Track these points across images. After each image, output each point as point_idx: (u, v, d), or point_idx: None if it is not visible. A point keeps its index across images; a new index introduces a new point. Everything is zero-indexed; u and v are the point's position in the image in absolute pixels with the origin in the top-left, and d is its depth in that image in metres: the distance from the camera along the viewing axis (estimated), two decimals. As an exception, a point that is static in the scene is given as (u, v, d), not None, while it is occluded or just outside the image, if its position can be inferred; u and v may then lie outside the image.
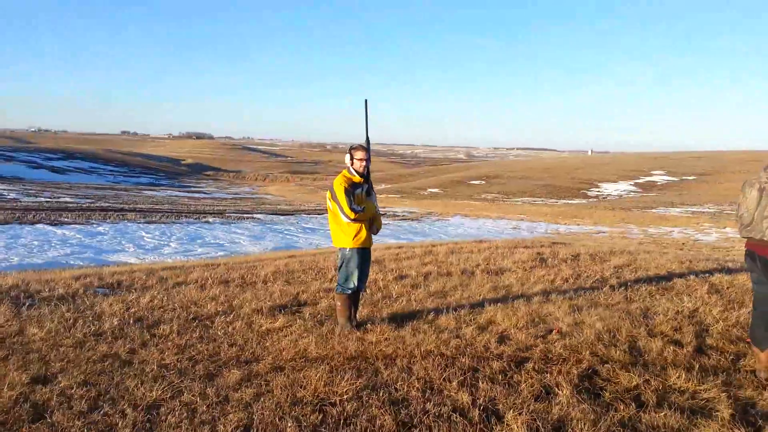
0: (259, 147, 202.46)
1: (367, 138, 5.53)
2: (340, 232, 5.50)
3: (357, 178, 5.48)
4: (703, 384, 4.10)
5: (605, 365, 4.48)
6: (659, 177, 78.82)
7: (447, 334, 5.29)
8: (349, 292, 5.58)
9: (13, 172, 66.87)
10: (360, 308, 6.17)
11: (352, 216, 5.36)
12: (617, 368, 4.39)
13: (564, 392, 3.88)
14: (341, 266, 5.58)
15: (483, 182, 76.91)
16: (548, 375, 4.28)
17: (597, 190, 69.97)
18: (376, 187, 6.33)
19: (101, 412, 3.62)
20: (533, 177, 79.39)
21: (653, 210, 45.74)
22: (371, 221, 5.60)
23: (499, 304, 6.54)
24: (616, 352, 4.75)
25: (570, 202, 59.01)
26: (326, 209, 5.68)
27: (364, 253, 5.58)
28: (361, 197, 5.48)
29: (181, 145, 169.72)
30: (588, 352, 4.77)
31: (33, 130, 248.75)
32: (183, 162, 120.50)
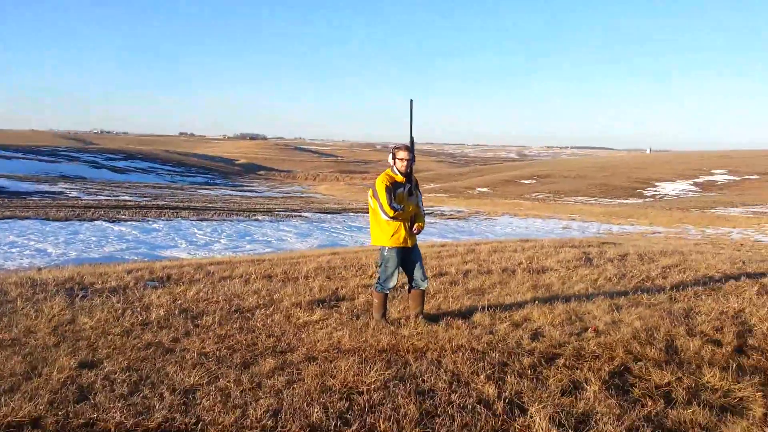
0: (310, 147, 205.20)
1: (411, 138, 5.52)
2: (379, 230, 5.54)
3: (399, 178, 5.50)
4: (739, 383, 4.01)
5: (638, 363, 4.43)
6: (720, 176, 75.95)
7: (480, 330, 5.32)
8: (386, 291, 5.64)
9: (76, 172, 69.84)
10: (396, 303, 6.24)
11: (391, 214, 5.37)
12: (650, 366, 4.34)
13: (592, 388, 3.87)
14: (381, 265, 5.64)
15: (534, 181, 75.76)
16: (578, 371, 4.27)
17: (654, 189, 67.97)
18: (425, 186, 6.36)
19: (141, 394, 3.82)
20: (587, 176, 77.71)
21: (712, 210, 44.14)
22: (412, 221, 5.58)
23: (537, 302, 6.51)
24: (651, 351, 4.69)
25: (625, 201, 57.53)
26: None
27: (403, 252, 5.58)
28: (402, 196, 5.48)
29: (236, 146, 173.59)
30: (622, 350, 4.72)
31: (96, 132, 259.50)
32: (237, 162, 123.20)
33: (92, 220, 20.80)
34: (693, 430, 3.30)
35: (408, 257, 5.64)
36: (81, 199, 33.20)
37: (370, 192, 5.58)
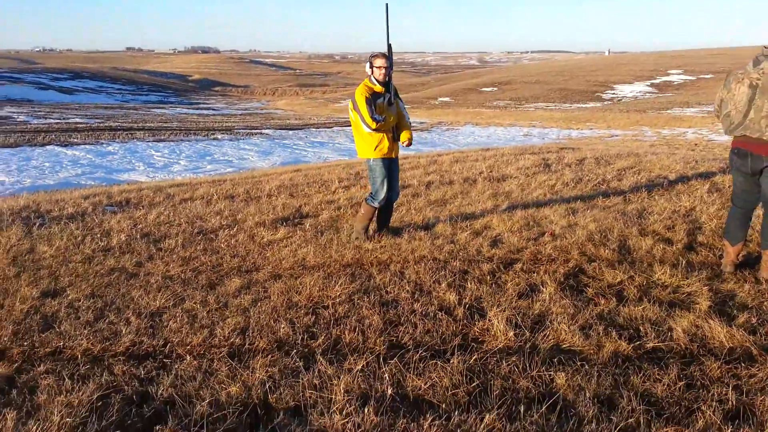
0: (266, 60, 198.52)
1: (389, 45, 5.31)
2: (363, 142, 5.45)
3: (378, 88, 5.35)
4: (687, 279, 4.23)
5: (592, 264, 4.61)
6: (676, 76, 76.57)
7: (442, 240, 5.43)
8: (376, 204, 5.57)
9: (22, 94, 66.52)
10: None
11: (374, 126, 5.26)
12: (603, 266, 4.52)
13: (548, 289, 4.03)
14: (370, 177, 5.62)
15: (495, 89, 75.28)
16: (535, 274, 4.43)
17: (612, 92, 68.33)
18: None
19: (107, 320, 3.84)
20: (547, 81, 77.45)
21: (668, 111, 44.78)
22: (394, 131, 5.52)
23: (497, 210, 6.64)
24: (604, 251, 4.87)
25: (584, 106, 57.86)
26: (346, 121, 5.60)
27: (388, 163, 5.54)
28: (383, 107, 5.35)
29: (187, 61, 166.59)
30: (577, 252, 4.90)
31: (38, 50, 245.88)
32: (191, 78, 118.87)
33: (44, 145, 20.06)
34: (643, 325, 3.49)
35: (391, 168, 5.61)
36: (30, 124, 31.85)
37: (350, 104, 5.46)
